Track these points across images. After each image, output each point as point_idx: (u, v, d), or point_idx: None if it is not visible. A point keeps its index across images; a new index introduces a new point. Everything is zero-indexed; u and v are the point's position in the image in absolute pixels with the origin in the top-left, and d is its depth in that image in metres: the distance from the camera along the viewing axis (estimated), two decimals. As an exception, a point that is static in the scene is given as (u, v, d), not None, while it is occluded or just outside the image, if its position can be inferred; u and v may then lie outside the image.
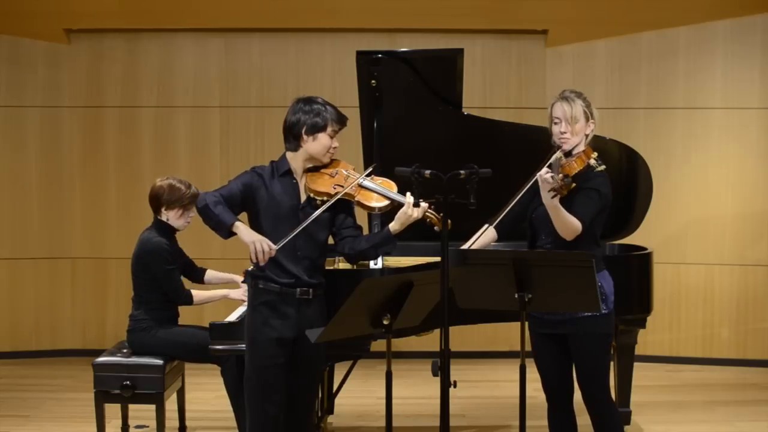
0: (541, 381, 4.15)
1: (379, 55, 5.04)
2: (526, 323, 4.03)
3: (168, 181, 4.99)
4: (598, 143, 4.54)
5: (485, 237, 4.14)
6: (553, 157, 3.86)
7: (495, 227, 4.13)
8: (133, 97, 7.54)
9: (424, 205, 3.93)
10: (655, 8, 7.28)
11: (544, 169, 3.77)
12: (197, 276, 5.23)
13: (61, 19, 7.35)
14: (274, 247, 3.90)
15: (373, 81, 5.02)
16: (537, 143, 4.19)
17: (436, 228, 3.93)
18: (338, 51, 7.43)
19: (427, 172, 3.74)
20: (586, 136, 4.03)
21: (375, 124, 5.14)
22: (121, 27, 7.41)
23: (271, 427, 4.06)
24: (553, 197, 3.74)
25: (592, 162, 3.98)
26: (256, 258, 3.88)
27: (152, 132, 7.56)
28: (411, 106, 5.22)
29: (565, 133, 3.98)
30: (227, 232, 3.96)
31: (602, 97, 7.37)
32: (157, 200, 4.98)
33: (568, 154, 3.98)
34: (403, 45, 7.27)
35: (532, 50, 7.51)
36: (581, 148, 4.01)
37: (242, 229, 3.94)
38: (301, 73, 7.53)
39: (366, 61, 5.01)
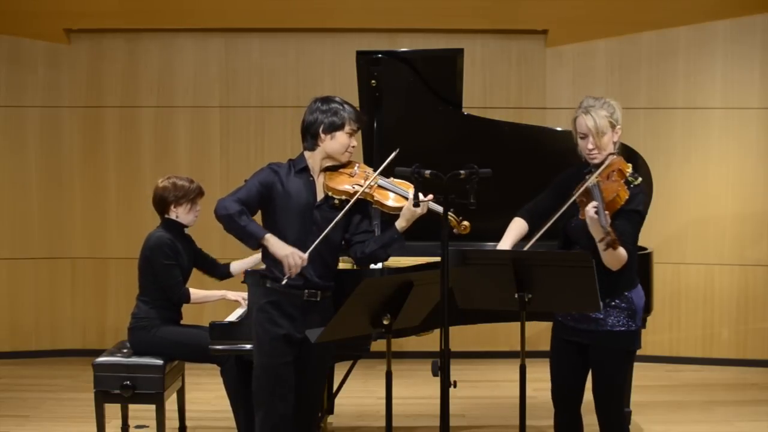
0: (552, 386, 4.03)
1: (379, 55, 5.04)
2: (550, 328, 4.01)
3: (171, 180, 5.01)
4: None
5: (518, 231, 4.02)
6: (589, 182, 3.67)
7: (526, 219, 4.01)
8: (133, 97, 7.54)
9: (425, 200, 3.93)
10: (655, 8, 7.28)
11: (591, 205, 3.57)
12: (222, 272, 5.16)
13: (61, 19, 7.35)
14: (305, 257, 3.88)
15: (373, 81, 5.02)
16: (537, 143, 4.19)
17: (455, 230, 4.00)
18: (338, 51, 7.43)
19: (427, 172, 3.74)
20: (614, 143, 3.85)
21: (375, 124, 5.14)
22: (121, 27, 7.41)
23: (283, 425, 4.03)
24: (604, 250, 3.58)
25: (630, 178, 3.78)
26: (289, 271, 3.87)
27: (152, 132, 7.56)
28: (411, 106, 5.22)
29: (593, 149, 3.81)
30: (257, 244, 3.94)
31: (602, 97, 7.37)
32: (164, 200, 4.98)
33: (599, 164, 3.81)
34: (404, 45, 7.27)
35: (532, 50, 7.51)
36: (613, 156, 3.83)
37: (273, 242, 3.90)
38: (301, 73, 7.53)
39: (366, 61, 5.01)
